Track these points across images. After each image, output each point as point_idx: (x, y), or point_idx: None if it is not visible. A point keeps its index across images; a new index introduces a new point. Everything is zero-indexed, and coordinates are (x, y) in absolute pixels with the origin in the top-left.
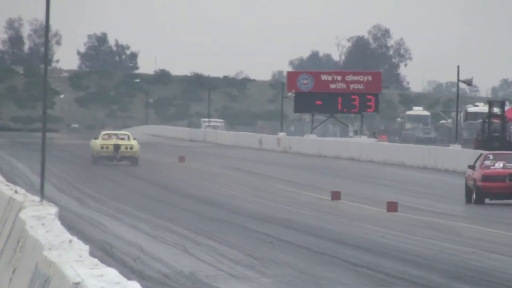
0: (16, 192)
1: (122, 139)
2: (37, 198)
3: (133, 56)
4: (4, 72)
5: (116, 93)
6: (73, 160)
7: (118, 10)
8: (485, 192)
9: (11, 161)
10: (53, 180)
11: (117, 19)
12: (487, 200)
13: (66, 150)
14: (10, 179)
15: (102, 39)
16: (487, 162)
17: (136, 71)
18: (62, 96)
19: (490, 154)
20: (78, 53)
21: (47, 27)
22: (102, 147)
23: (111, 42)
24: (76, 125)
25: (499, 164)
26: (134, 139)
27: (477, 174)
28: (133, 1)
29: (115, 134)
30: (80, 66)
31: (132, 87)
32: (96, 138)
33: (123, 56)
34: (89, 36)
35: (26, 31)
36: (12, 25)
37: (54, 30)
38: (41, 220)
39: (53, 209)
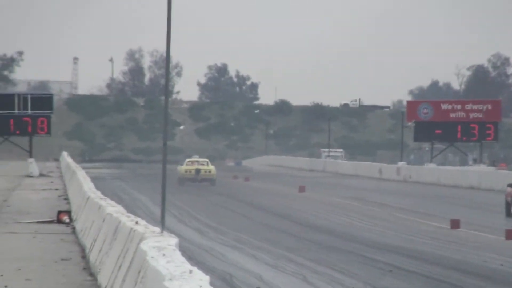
0: (137, 223)
1: (202, 164)
2: (157, 229)
3: (254, 86)
4: (125, 103)
5: (236, 124)
6: (194, 192)
7: (239, 41)
8: None
9: (132, 193)
10: (174, 211)
11: (238, 50)
12: None
13: (187, 182)
14: (131, 210)
15: (222, 70)
16: None
17: (257, 102)
18: (182, 127)
19: None
20: (198, 84)
21: (167, 58)
22: (186, 171)
23: (232, 73)
24: (196, 156)
25: None
26: (212, 165)
27: None
28: (252, 32)
29: (197, 161)
30: (200, 97)
31: (252, 118)
32: (181, 165)
33: (244, 87)
34: (210, 67)
35: (146, 62)
36: (133, 57)
37: (175, 61)
38: (161, 250)
39: (173, 240)
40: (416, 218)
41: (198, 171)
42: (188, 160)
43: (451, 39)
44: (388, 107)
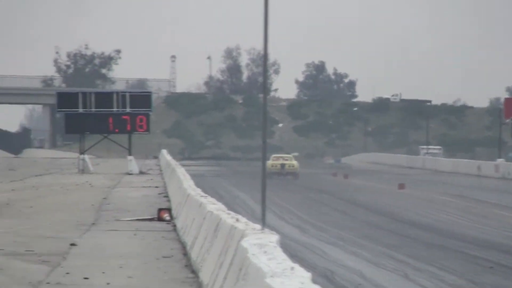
0: (237, 220)
1: (287, 160)
2: (258, 226)
3: (351, 84)
4: (224, 101)
5: (334, 122)
6: (293, 189)
7: (336, 39)
8: None
9: (232, 190)
10: (274, 208)
11: (336, 48)
12: None
13: (286, 179)
14: (231, 208)
15: (320, 67)
16: None
17: (354, 99)
18: (281, 125)
19: None
20: (297, 82)
21: (265, 56)
22: (272, 166)
23: (329, 70)
24: (295, 154)
25: None
26: (295, 160)
27: None
28: (350, 29)
29: (282, 157)
30: (298, 95)
31: (350, 116)
32: (268, 160)
33: (341, 84)
34: (307, 65)
35: (244, 60)
36: (231, 55)
37: (272, 59)
38: (263, 248)
39: (274, 237)
40: None
41: (283, 165)
42: (274, 155)
43: None
44: (430, 101)
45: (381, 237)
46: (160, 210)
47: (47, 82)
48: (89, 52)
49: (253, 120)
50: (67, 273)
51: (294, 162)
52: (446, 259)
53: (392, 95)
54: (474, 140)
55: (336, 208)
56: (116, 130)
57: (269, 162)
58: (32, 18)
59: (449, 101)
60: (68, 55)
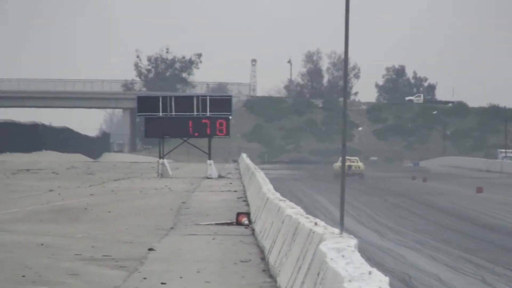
0: (316, 224)
1: (353, 162)
2: (336, 230)
3: (431, 88)
4: (304, 105)
5: (413, 125)
6: (372, 193)
7: (415, 43)
8: None
9: (311, 194)
10: (353, 212)
11: (415, 52)
12: None
13: (365, 183)
14: (310, 212)
15: (400, 71)
16: None
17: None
18: (360, 128)
19: None
20: (377, 85)
21: (346, 60)
22: (339, 167)
23: (409, 74)
24: (375, 158)
25: None
26: (361, 162)
27: None
28: (429, 33)
29: (349, 159)
30: (378, 99)
31: (429, 119)
32: (336, 162)
33: (421, 88)
34: (387, 69)
35: (324, 64)
36: (311, 59)
37: (353, 63)
38: (341, 252)
39: (352, 241)
40: None
41: (349, 167)
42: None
43: None
44: (452, 102)
45: (459, 241)
46: (238, 214)
47: (127, 86)
48: (170, 56)
49: (333, 123)
50: (144, 278)
51: (360, 164)
52: None
53: (415, 96)
54: None
55: (414, 212)
56: (196, 134)
57: (337, 164)
58: (113, 22)
59: (415, 99)
60: (149, 59)
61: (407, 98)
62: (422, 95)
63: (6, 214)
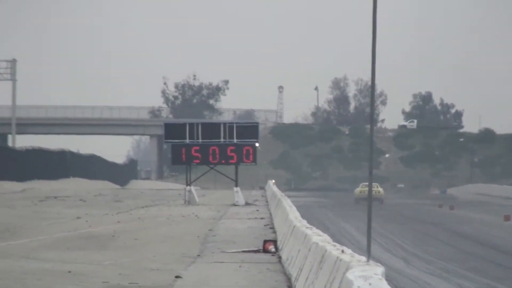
0: (342, 252)
1: (373, 187)
2: (363, 258)
3: (458, 115)
4: (330, 132)
5: (441, 152)
6: (399, 220)
7: (443, 70)
8: None
9: (337, 221)
10: (380, 240)
11: (442, 78)
12: None
13: (392, 210)
14: (337, 239)
15: (427, 98)
16: None
17: (461, 130)
18: (387, 155)
19: None
20: (403, 112)
21: (373, 87)
22: (360, 192)
23: (436, 101)
24: (401, 185)
25: None
26: (381, 187)
27: None
28: (456, 60)
29: (366, 185)
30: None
31: (457, 146)
32: (357, 188)
33: (448, 115)
34: (414, 95)
35: (351, 91)
36: (338, 85)
37: (380, 89)
38: (368, 280)
39: (379, 269)
40: None
41: None
42: (362, 184)
43: None
44: (450, 127)
45: (486, 269)
46: (265, 241)
47: (154, 113)
48: (197, 83)
49: (360, 150)
50: None
51: (380, 189)
52: None
53: (409, 121)
54: None
55: (442, 240)
56: (223, 161)
57: (358, 189)
58: (141, 48)
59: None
60: (176, 86)
61: (400, 124)
62: (415, 121)
63: (34, 241)
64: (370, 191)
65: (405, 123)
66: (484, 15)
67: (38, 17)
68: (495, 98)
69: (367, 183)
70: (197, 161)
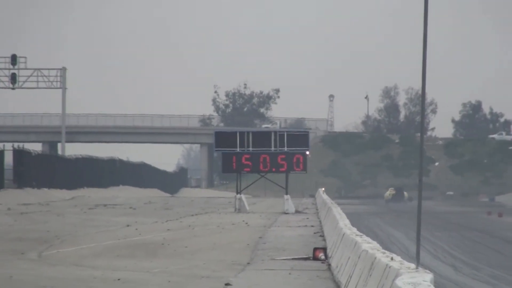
0: (392, 259)
1: (393, 191)
2: (412, 265)
3: (507, 123)
4: (380, 140)
5: (490, 161)
6: (448, 227)
7: (492, 78)
8: None
9: (387, 229)
10: (429, 247)
11: (492, 87)
12: None
13: (441, 218)
14: (386, 247)
15: (476, 107)
16: None
17: (510, 138)
18: (437, 163)
19: None
20: (453, 121)
21: (423, 96)
22: (389, 194)
23: (486, 110)
24: (451, 193)
25: None
26: (405, 191)
27: None
28: (506, 69)
29: (393, 187)
30: (455, 134)
31: (506, 154)
32: (387, 191)
33: (497, 124)
34: (464, 105)
35: (401, 99)
36: (388, 94)
37: (430, 98)
38: (417, 286)
39: (428, 276)
40: None
41: (393, 195)
42: (390, 188)
43: None
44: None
45: None
46: (315, 249)
47: (205, 121)
48: (247, 91)
49: (410, 159)
50: None
51: (405, 193)
52: None
53: (498, 134)
54: None
55: (490, 247)
56: (273, 170)
57: (387, 193)
58: (191, 57)
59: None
60: (227, 94)
61: (491, 136)
62: (504, 132)
63: (84, 249)
64: (420, 198)
65: (494, 135)
66: None
67: (88, 25)
68: None
69: (393, 187)
70: (248, 169)
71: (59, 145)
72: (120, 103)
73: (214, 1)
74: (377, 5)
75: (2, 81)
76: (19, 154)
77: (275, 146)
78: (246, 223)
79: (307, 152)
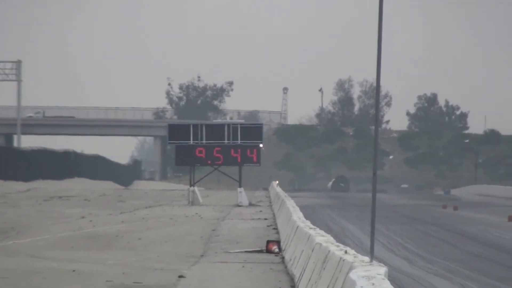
0: (346, 252)
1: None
2: (366, 258)
3: (463, 116)
4: (334, 133)
5: (445, 154)
6: (402, 221)
7: (447, 71)
8: None
9: (341, 222)
10: (383, 240)
11: (447, 80)
12: None
13: (395, 211)
14: (340, 240)
15: (432, 100)
16: None
17: (466, 131)
18: (391, 157)
19: None
20: (408, 114)
21: (377, 88)
22: (330, 186)
23: (441, 102)
24: (405, 186)
25: None
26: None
27: None
28: (461, 61)
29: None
30: (409, 127)
31: (461, 147)
32: (330, 182)
33: (453, 117)
34: (419, 97)
35: (356, 92)
36: (343, 87)
37: (384, 91)
38: (371, 280)
39: (382, 269)
40: None
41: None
42: (333, 178)
43: None
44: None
45: (490, 269)
46: (268, 242)
47: (158, 114)
48: (201, 84)
49: (364, 152)
50: None
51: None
52: None
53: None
54: None
55: (445, 240)
56: (227, 162)
57: (330, 183)
58: (144, 50)
59: None
60: (181, 87)
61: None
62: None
63: (39, 241)
64: (374, 191)
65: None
66: (489, 16)
67: (42, 18)
68: (501, 99)
69: (335, 177)
70: (201, 162)
71: (14, 137)
72: (74, 96)
73: None
74: None
75: None
76: None
77: (229, 139)
78: (200, 216)
79: (261, 145)
